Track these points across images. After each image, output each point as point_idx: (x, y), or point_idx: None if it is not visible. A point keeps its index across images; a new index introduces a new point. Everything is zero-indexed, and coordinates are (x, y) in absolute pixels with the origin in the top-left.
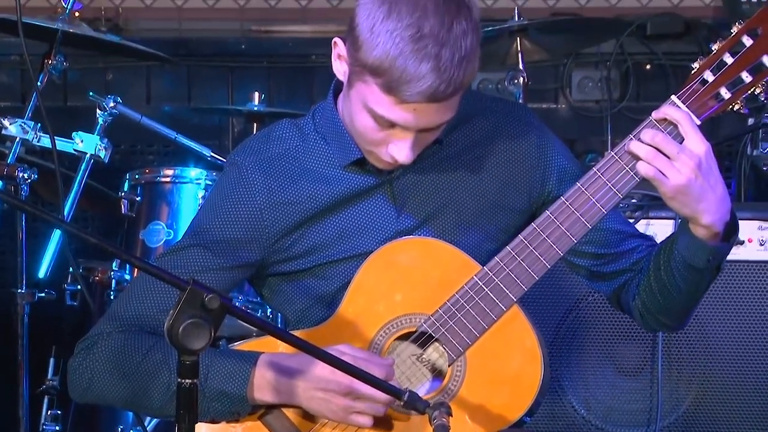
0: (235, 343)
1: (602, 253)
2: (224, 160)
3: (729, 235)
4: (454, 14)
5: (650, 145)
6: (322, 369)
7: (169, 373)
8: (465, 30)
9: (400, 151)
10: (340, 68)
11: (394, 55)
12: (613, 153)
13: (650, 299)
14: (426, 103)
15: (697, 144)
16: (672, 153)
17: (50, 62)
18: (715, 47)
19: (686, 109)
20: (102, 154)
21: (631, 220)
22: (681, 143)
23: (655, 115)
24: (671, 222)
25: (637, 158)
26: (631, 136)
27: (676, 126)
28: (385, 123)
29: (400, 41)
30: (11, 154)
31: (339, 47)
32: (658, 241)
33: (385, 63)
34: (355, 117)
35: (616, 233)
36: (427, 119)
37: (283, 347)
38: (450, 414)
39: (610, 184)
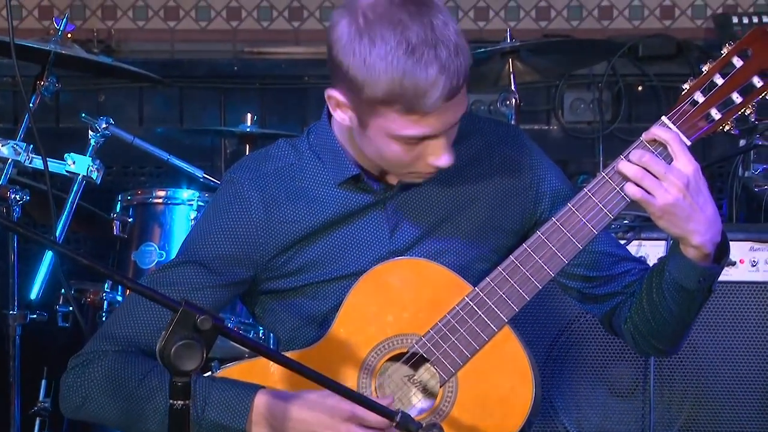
0: (228, 365)
1: (594, 276)
2: (216, 181)
3: (720, 256)
4: (428, 13)
5: (638, 165)
6: (321, 396)
7: (165, 400)
8: (444, 21)
9: (439, 158)
10: (344, 116)
11: (400, 77)
12: (604, 174)
13: (642, 322)
14: (445, 103)
15: (685, 164)
16: (659, 173)
17: (42, 84)
18: (705, 68)
19: (676, 130)
20: (94, 175)
21: (623, 241)
22: (670, 164)
23: (645, 136)
24: (663, 243)
25: (626, 178)
26: (622, 157)
27: (665, 147)
28: (415, 141)
29: (398, 61)
30: (3, 176)
31: (335, 97)
32: (650, 263)
33: (395, 88)
34: (383, 151)
35: (608, 256)
36: (451, 117)
37: (275, 369)
38: None
39: (601, 205)
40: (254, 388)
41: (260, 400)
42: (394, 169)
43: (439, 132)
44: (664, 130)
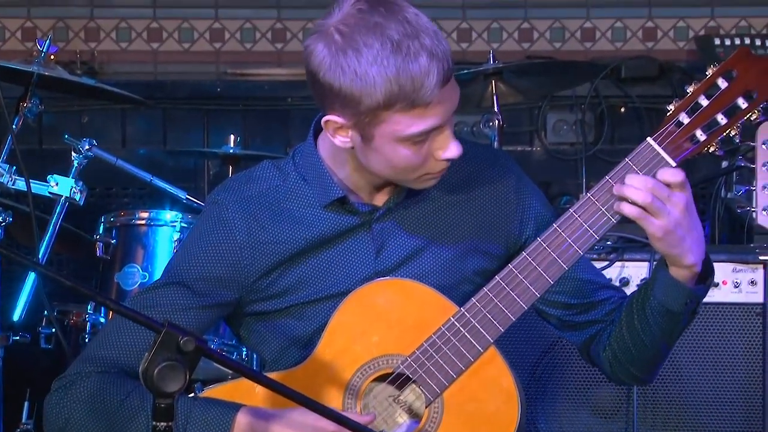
0: (211, 386)
1: (575, 303)
2: (200, 202)
3: (705, 276)
4: (396, 11)
5: (645, 190)
6: (303, 414)
7: (146, 419)
8: (416, 13)
9: (447, 149)
10: (345, 139)
11: (394, 75)
12: (589, 195)
13: (621, 349)
14: (441, 90)
15: (684, 186)
16: (663, 196)
17: (25, 105)
18: (690, 89)
19: (662, 151)
20: (77, 196)
21: (606, 263)
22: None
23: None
24: (646, 264)
25: (629, 201)
26: (607, 178)
27: (648, 165)
28: (421, 138)
29: (388, 60)
30: None
31: (332, 122)
32: (634, 283)
33: (393, 87)
34: (392, 159)
35: (589, 283)
36: (450, 104)
37: (259, 390)
38: None
39: (586, 226)
40: (236, 407)
41: (241, 418)
42: (407, 176)
43: (443, 121)
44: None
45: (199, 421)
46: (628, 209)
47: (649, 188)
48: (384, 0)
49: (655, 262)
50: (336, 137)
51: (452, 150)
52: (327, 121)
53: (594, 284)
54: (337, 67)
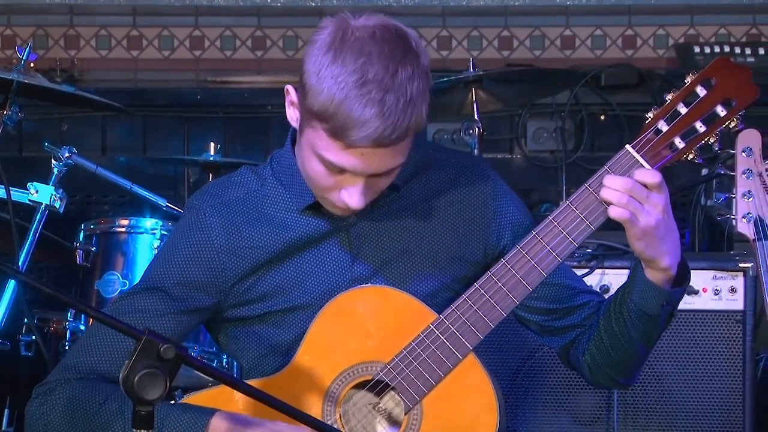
0: (191, 393)
1: (554, 309)
2: (180, 210)
3: (681, 279)
4: (399, 60)
5: (622, 191)
6: (280, 423)
7: (123, 423)
8: (410, 75)
9: (351, 196)
10: (293, 115)
11: (339, 100)
12: (568, 202)
13: (600, 353)
14: (372, 148)
15: (662, 188)
16: (642, 197)
17: (5, 113)
18: (669, 97)
19: (641, 158)
20: (57, 204)
21: (587, 270)
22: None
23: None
24: (626, 272)
25: (609, 204)
26: (586, 185)
27: (629, 168)
28: (334, 168)
29: (345, 86)
30: None
31: (291, 95)
32: (613, 291)
33: (330, 108)
34: (306, 163)
35: (567, 289)
36: (375, 164)
37: (239, 397)
38: None
39: (565, 233)
40: (211, 411)
41: (216, 423)
42: (313, 188)
43: (357, 171)
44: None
45: (175, 425)
46: (615, 212)
47: (627, 189)
48: (404, 44)
49: (632, 268)
50: (289, 108)
51: (353, 201)
52: (288, 90)
53: (572, 289)
54: (314, 56)
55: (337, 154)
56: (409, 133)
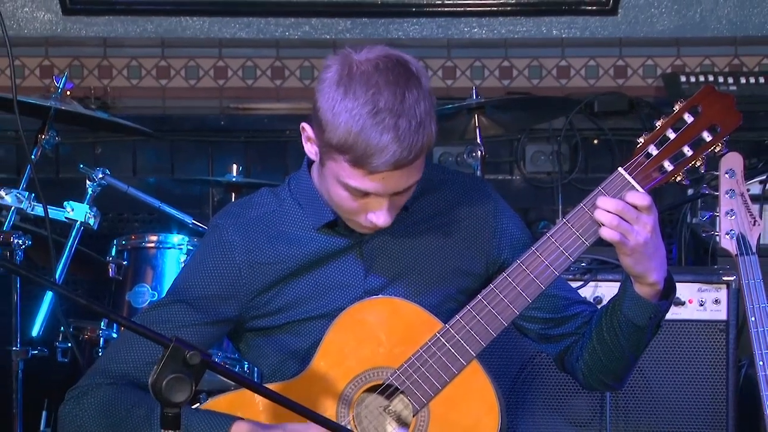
0: (215, 396)
1: (550, 318)
2: (205, 227)
3: (668, 293)
4: (404, 86)
5: (614, 213)
6: (295, 425)
7: (150, 428)
8: (417, 98)
9: (378, 217)
10: (311, 149)
11: (356, 132)
12: (565, 220)
13: (593, 359)
14: (393, 171)
15: (651, 210)
16: (632, 218)
17: (43, 137)
18: (658, 123)
19: (633, 180)
20: (91, 221)
21: (581, 282)
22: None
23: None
24: (617, 284)
25: (601, 224)
26: (582, 205)
27: (621, 190)
28: (359, 193)
29: (360, 118)
30: (7, 222)
31: (307, 131)
32: (605, 302)
33: (349, 140)
34: (331, 191)
35: (563, 299)
36: (396, 184)
37: (259, 400)
38: None
39: (561, 249)
40: (232, 419)
41: (237, 429)
42: (340, 213)
43: (380, 193)
44: (635, 196)
45: (198, 429)
46: (607, 233)
47: (618, 210)
48: (403, 71)
49: (622, 282)
50: (307, 143)
51: (380, 220)
52: (303, 128)
53: (567, 300)
54: (326, 93)
55: (361, 181)
56: (423, 152)
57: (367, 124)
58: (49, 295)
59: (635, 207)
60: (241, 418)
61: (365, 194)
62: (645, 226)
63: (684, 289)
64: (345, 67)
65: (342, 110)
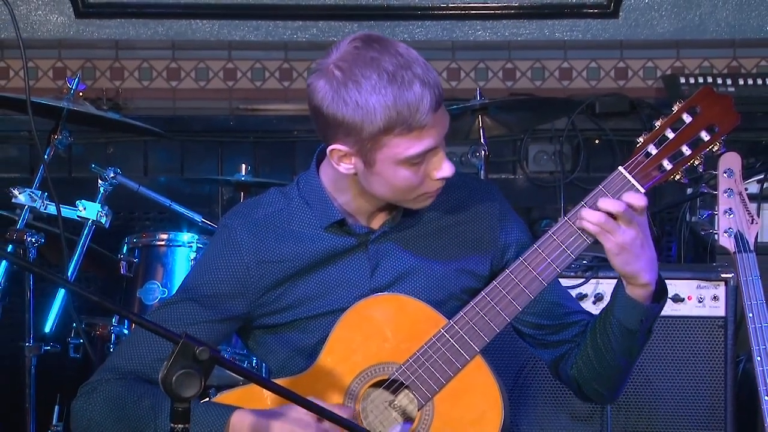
0: (224, 391)
1: (546, 324)
2: (214, 225)
3: (659, 296)
4: (388, 45)
5: (601, 210)
6: (298, 412)
7: (155, 419)
8: (406, 47)
9: (443, 170)
10: (349, 166)
11: (391, 103)
12: (566, 218)
13: (586, 366)
14: (434, 114)
15: (641, 210)
16: (626, 218)
17: (56, 137)
18: (658, 123)
19: (632, 179)
20: (103, 220)
21: (582, 279)
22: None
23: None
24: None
25: (590, 222)
26: (583, 203)
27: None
28: (419, 159)
29: (384, 90)
30: (20, 221)
31: (337, 151)
32: (606, 300)
33: (392, 114)
34: (393, 181)
35: (561, 307)
36: (442, 127)
37: (267, 395)
38: None
39: (563, 246)
40: (232, 408)
41: (237, 417)
42: (406, 196)
43: (437, 142)
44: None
45: (199, 420)
46: (594, 229)
47: (600, 222)
48: (377, 37)
49: (616, 285)
50: (341, 164)
51: (446, 170)
52: (332, 150)
53: (565, 308)
54: (339, 100)
55: (420, 143)
56: (441, 86)
57: (394, 89)
58: (61, 292)
59: (631, 207)
60: (242, 408)
61: (423, 159)
62: (634, 226)
63: (683, 286)
64: (332, 72)
65: (366, 97)
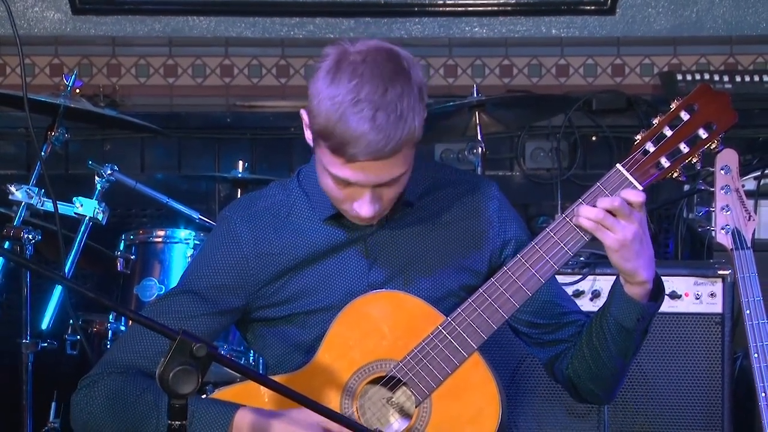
0: (221, 388)
1: (545, 323)
2: (212, 222)
3: (657, 295)
4: (388, 81)
5: (600, 207)
6: (302, 414)
7: (158, 414)
8: (400, 93)
9: (360, 207)
10: (308, 136)
11: (335, 119)
12: (563, 215)
13: (582, 366)
14: (370, 161)
15: (640, 207)
16: (625, 213)
17: (53, 134)
18: (655, 121)
19: (630, 177)
20: (100, 216)
21: (580, 276)
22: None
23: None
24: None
25: (588, 218)
26: (581, 200)
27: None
28: (341, 182)
29: (341, 106)
30: (17, 218)
31: (304, 118)
32: (604, 296)
33: (329, 127)
34: (320, 178)
35: (557, 306)
36: (377, 176)
37: (265, 391)
38: None
39: (561, 244)
40: (236, 406)
41: (240, 416)
42: (335, 203)
43: (361, 183)
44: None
45: (202, 418)
46: (591, 226)
47: (599, 218)
48: (396, 65)
49: (614, 283)
50: (306, 131)
51: (363, 211)
52: (302, 115)
53: (562, 307)
54: (317, 81)
55: (341, 169)
56: (403, 146)
57: (347, 112)
58: (58, 289)
59: (629, 203)
60: (245, 406)
61: (348, 183)
62: (634, 222)
63: (680, 283)
64: (337, 58)
65: (326, 98)
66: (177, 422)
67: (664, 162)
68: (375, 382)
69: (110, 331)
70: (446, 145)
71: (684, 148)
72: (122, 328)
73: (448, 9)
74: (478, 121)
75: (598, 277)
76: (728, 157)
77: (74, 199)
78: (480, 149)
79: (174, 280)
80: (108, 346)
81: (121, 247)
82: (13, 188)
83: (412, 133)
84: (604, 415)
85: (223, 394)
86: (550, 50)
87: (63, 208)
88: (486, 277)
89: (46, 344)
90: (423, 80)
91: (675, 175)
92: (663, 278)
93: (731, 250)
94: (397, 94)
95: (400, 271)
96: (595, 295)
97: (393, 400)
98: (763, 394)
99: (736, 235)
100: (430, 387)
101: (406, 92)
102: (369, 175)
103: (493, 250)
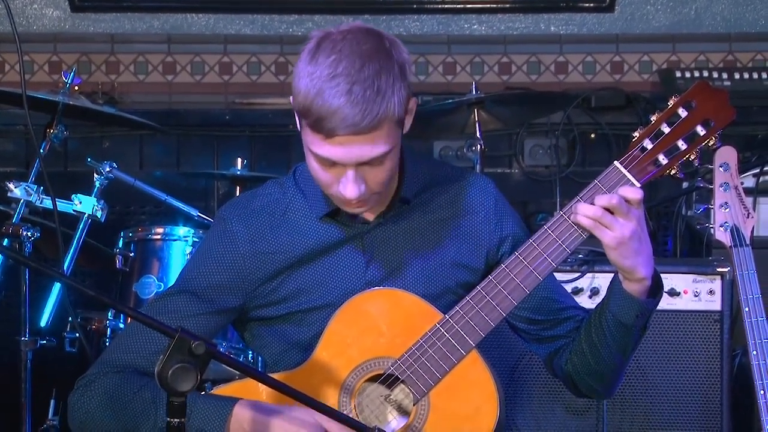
0: (220, 385)
1: (544, 320)
2: (210, 219)
3: (655, 291)
4: (367, 57)
5: (598, 205)
6: (300, 410)
7: (156, 411)
8: (378, 69)
9: (345, 187)
10: (297, 119)
11: (313, 95)
12: (561, 213)
13: (581, 361)
14: (349, 135)
15: (638, 204)
16: (623, 211)
17: (52, 131)
18: (653, 118)
19: (628, 174)
20: (99, 214)
21: (578, 274)
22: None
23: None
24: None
25: (586, 216)
26: (579, 197)
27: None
28: (325, 162)
29: (318, 82)
30: (16, 215)
31: (292, 102)
32: (603, 293)
33: (307, 103)
34: (308, 161)
35: (556, 302)
36: (358, 152)
37: (263, 389)
38: None
39: (559, 241)
40: (234, 400)
41: (238, 410)
42: (324, 189)
43: (343, 161)
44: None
45: (201, 412)
46: (589, 224)
47: (597, 216)
48: (376, 43)
49: (612, 280)
50: (296, 117)
51: (347, 191)
52: (291, 98)
53: (560, 303)
54: (300, 59)
55: (321, 147)
56: (383, 122)
57: (324, 87)
58: (57, 286)
59: (627, 201)
60: (243, 399)
61: (332, 163)
62: (632, 219)
63: (679, 280)
64: (323, 37)
65: (304, 74)
66: (176, 420)
67: (662, 159)
68: (373, 379)
69: (109, 329)
70: (445, 142)
71: (682, 145)
72: (121, 325)
73: (446, 6)
74: (476, 119)
75: (596, 275)
76: (727, 155)
77: (73, 196)
78: (479, 146)
79: (173, 278)
80: (107, 344)
81: (120, 245)
82: (11, 185)
83: (392, 109)
84: (603, 413)
85: (221, 391)
86: (548, 47)
87: (62, 206)
88: (483, 274)
89: (45, 342)
90: (406, 59)
91: (673, 172)
92: (662, 275)
93: (730, 247)
94: (375, 70)
95: (397, 268)
96: (594, 292)
97: (391, 397)
98: (762, 392)
99: (735, 232)
100: (428, 385)
101: (385, 68)
102: (349, 151)
103: (490, 247)
